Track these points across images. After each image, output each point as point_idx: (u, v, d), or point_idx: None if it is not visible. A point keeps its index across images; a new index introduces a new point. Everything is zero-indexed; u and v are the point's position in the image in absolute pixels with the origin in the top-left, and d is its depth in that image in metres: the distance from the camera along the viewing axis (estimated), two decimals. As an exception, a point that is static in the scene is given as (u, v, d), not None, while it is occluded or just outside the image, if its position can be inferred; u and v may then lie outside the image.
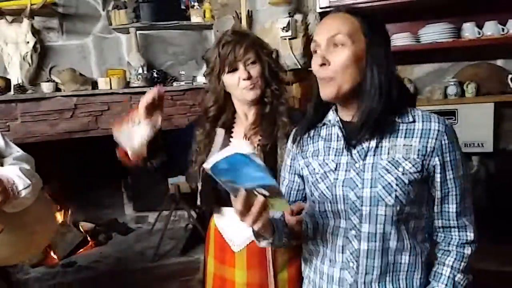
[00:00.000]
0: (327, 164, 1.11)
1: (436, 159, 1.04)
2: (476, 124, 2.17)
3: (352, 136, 1.07)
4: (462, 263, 1.08)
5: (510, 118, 2.24)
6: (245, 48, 1.35)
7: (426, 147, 1.03)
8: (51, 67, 2.36)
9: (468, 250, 1.09)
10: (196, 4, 2.35)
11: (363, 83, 1.04)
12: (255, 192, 0.97)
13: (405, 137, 1.04)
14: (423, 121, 1.05)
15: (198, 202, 1.50)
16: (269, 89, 1.40)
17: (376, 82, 1.02)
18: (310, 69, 2.15)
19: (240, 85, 1.36)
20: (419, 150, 1.03)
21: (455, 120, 2.19)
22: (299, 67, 2.23)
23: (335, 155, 1.10)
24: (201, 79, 2.46)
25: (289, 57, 2.22)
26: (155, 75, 2.42)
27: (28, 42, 2.19)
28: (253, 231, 1.07)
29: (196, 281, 2.27)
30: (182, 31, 2.54)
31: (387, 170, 1.03)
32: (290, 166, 1.20)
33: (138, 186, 3.05)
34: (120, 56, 2.55)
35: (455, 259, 1.08)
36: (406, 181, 1.02)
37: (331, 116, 1.11)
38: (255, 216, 0.98)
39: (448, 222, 1.09)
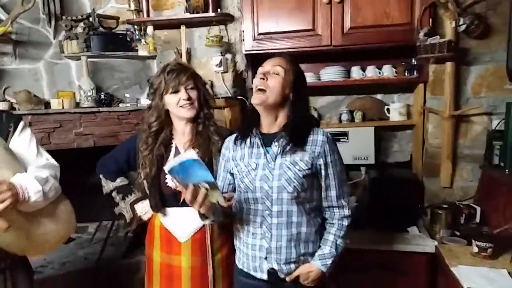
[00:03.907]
0: (250, 164, 1.45)
1: (321, 160, 1.41)
2: (362, 142, 2.55)
3: (267, 144, 1.44)
4: (342, 232, 1.47)
5: (386, 138, 2.70)
6: (187, 76, 1.62)
7: (315, 151, 1.41)
8: (5, 88, 2.48)
9: (346, 222, 1.48)
10: (142, 40, 2.59)
11: (283, 107, 1.43)
12: (200, 186, 1.27)
13: (302, 144, 1.41)
14: (314, 134, 1.43)
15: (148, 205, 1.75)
16: (202, 112, 1.68)
17: (297, 107, 1.42)
18: (238, 97, 2.60)
19: (179, 103, 1.62)
20: (310, 154, 1.40)
21: (347, 139, 2.56)
22: (230, 95, 2.55)
23: (256, 158, 1.45)
24: (144, 102, 2.65)
25: (222, 87, 2.56)
26: (103, 97, 2.61)
27: (-15, 66, 2.33)
28: (199, 213, 1.37)
29: (139, 276, 2.45)
30: (127, 60, 2.74)
31: (288, 168, 1.40)
32: (224, 166, 1.55)
33: (78, 196, 3.08)
34: (70, 80, 2.71)
35: (337, 228, 1.47)
36: (301, 176, 1.39)
37: (254, 130, 1.48)
38: (200, 202, 1.29)
39: (331, 203, 1.47)
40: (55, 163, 1.51)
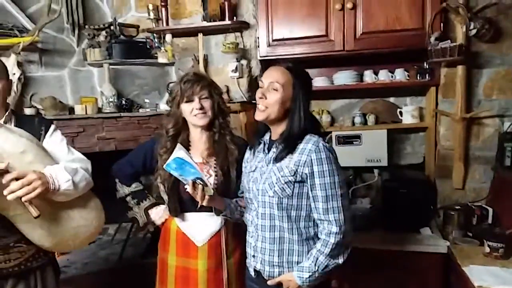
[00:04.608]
0: (252, 167, 1.53)
1: (307, 169, 1.37)
2: (375, 145, 2.55)
3: (269, 149, 1.50)
4: (326, 249, 1.37)
5: (399, 140, 2.73)
6: (201, 87, 1.68)
7: (300, 160, 1.38)
8: (31, 94, 2.58)
9: (332, 239, 1.37)
10: (162, 47, 2.67)
11: (287, 117, 1.45)
12: (196, 182, 1.38)
13: (292, 152, 1.41)
14: (305, 143, 1.40)
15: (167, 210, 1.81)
16: (217, 121, 1.74)
17: (295, 119, 1.42)
18: (253, 101, 2.68)
19: (193, 112, 1.67)
20: (295, 161, 1.39)
21: (360, 142, 2.57)
22: (245, 100, 2.63)
23: (258, 161, 1.53)
24: (163, 107, 2.71)
25: (237, 92, 2.64)
26: (124, 103, 2.68)
27: (14, 74, 2.42)
28: (213, 208, 1.50)
29: None
30: (147, 67, 2.81)
31: (274, 173, 1.42)
32: (245, 168, 1.64)
33: (98, 198, 3.15)
34: (92, 86, 2.79)
35: (321, 244, 1.39)
36: (283, 181, 1.39)
37: (266, 136, 1.56)
38: (200, 196, 1.40)
39: (319, 216, 1.40)
40: (85, 158, 1.58)
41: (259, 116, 1.45)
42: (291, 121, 1.43)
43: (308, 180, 1.39)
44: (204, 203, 1.41)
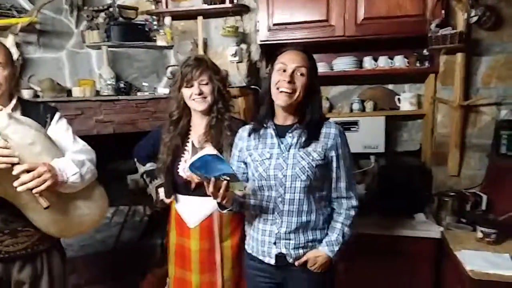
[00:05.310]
0: (264, 154, 1.51)
1: (333, 152, 1.47)
2: (373, 131, 2.57)
3: (281, 135, 1.51)
4: (349, 221, 1.53)
5: (396, 127, 2.73)
6: (201, 71, 1.69)
7: (328, 143, 1.47)
8: (29, 76, 2.55)
9: (352, 212, 1.54)
10: (161, 31, 2.65)
11: (304, 102, 1.47)
12: (221, 179, 1.34)
13: (315, 137, 1.48)
14: (326, 127, 1.49)
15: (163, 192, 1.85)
16: (216, 106, 1.75)
17: (316, 104, 1.49)
18: (252, 86, 2.66)
19: (192, 97, 1.71)
20: (322, 146, 1.46)
21: (357, 128, 2.58)
22: (244, 84, 2.62)
23: (269, 148, 1.51)
24: (161, 90, 2.72)
25: (236, 77, 2.62)
26: (122, 86, 2.66)
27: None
28: (218, 203, 1.47)
29: (155, 259, 2.61)
30: (145, 49, 2.79)
31: (302, 158, 1.46)
32: (238, 156, 1.62)
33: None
34: (90, 68, 2.77)
35: (344, 218, 1.53)
36: (314, 165, 1.45)
37: (268, 121, 1.54)
38: (222, 194, 1.37)
39: (340, 194, 1.53)
40: (91, 148, 1.60)
41: (286, 100, 1.44)
42: (313, 106, 1.49)
43: (334, 163, 1.49)
44: (224, 202, 1.42)
